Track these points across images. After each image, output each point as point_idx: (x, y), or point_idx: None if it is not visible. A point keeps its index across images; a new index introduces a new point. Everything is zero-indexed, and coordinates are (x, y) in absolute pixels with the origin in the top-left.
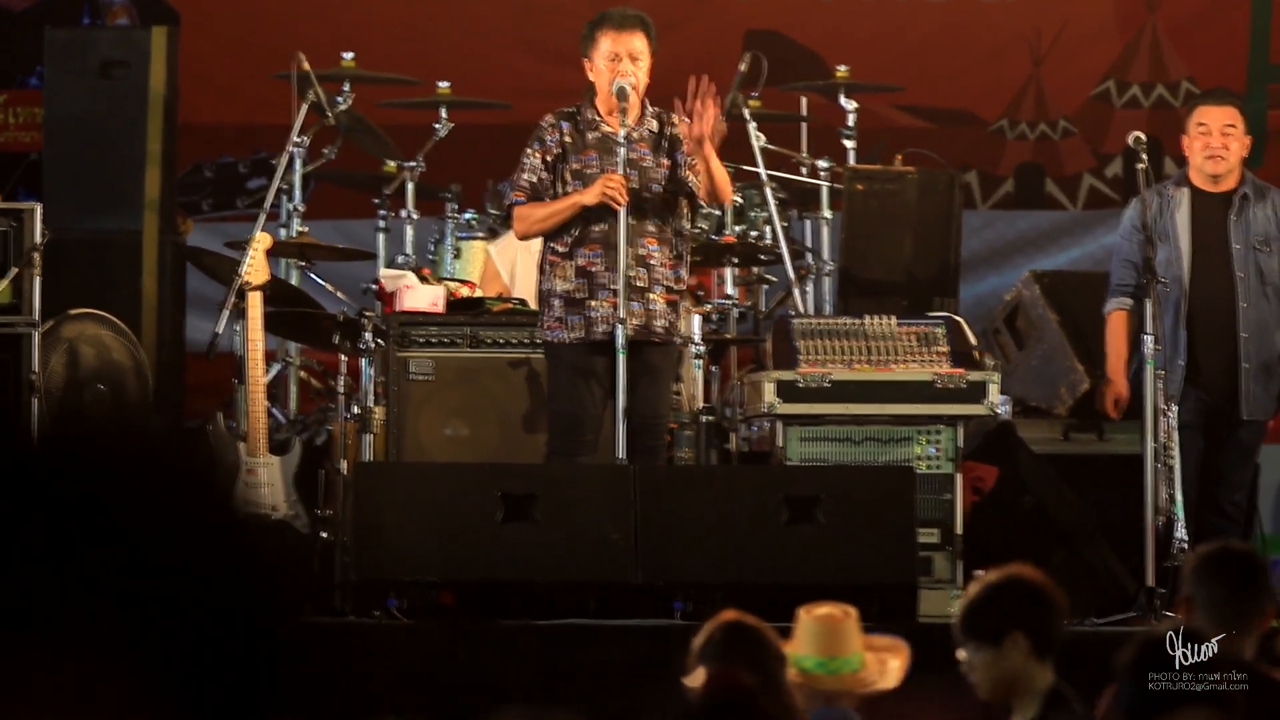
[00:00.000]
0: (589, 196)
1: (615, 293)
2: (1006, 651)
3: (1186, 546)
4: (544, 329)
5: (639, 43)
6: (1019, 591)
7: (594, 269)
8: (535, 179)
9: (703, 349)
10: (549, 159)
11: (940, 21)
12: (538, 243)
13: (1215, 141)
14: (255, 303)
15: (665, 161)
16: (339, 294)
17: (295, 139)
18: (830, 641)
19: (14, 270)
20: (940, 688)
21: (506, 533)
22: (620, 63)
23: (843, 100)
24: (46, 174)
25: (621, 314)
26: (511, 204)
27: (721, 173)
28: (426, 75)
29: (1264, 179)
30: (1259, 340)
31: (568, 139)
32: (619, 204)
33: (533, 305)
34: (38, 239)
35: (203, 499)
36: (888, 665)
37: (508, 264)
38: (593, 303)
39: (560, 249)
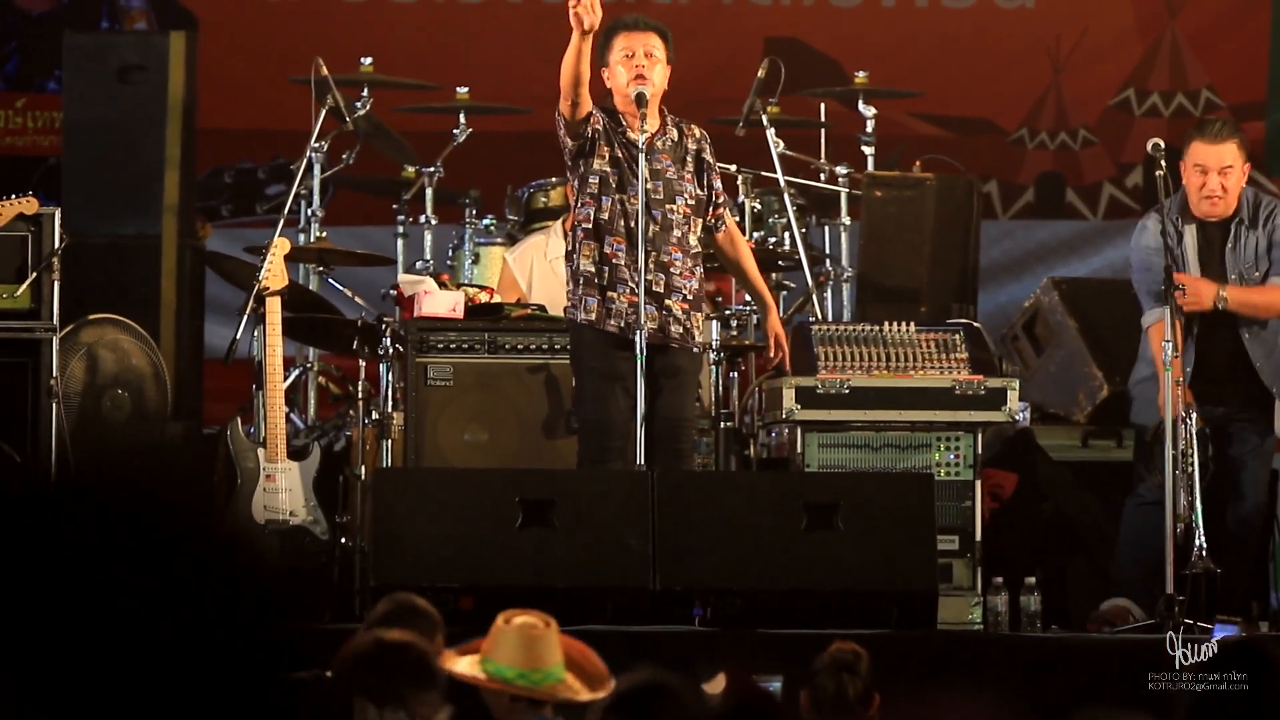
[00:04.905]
0: (576, 27)
1: (634, 290)
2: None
3: (1205, 553)
4: (568, 306)
5: (655, 41)
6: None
7: (616, 260)
8: None
9: (721, 355)
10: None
11: (959, 29)
12: (556, 250)
13: (1212, 184)
14: (274, 308)
15: (689, 175)
16: (358, 299)
17: (314, 144)
18: (531, 653)
19: (33, 275)
20: (957, 694)
21: (525, 538)
22: (635, 59)
23: (861, 107)
24: (65, 178)
25: (642, 320)
26: None
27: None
28: (445, 80)
29: None
30: (1273, 365)
31: (602, 127)
32: (592, 16)
33: (552, 312)
34: (56, 244)
35: (193, 523)
36: (590, 687)
37: (525, 272)
38: (612, 293)
39: (586, 225)
